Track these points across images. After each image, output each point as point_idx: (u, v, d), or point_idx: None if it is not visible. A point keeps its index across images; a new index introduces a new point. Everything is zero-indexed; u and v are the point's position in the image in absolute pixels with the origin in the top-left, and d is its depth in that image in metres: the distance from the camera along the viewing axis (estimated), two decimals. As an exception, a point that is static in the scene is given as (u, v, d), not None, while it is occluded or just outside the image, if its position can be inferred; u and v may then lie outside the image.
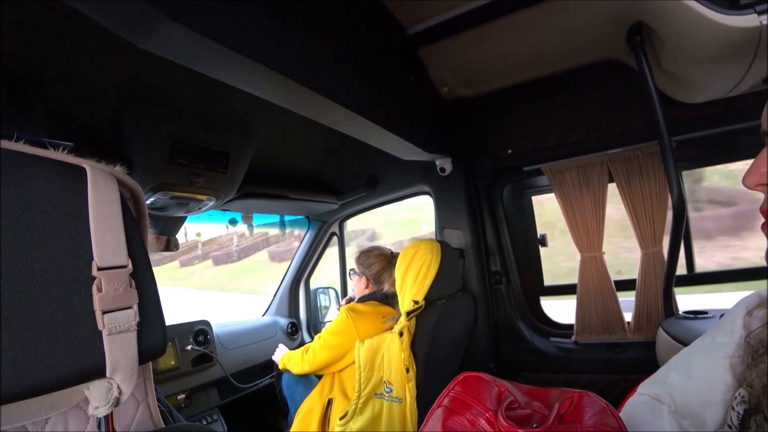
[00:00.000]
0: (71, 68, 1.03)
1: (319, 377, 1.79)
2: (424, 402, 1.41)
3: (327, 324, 2.64)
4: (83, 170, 0.43)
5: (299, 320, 2.76)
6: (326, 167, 2.22)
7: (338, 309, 1.89)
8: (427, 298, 1.53)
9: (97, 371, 0.41)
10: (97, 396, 0.42)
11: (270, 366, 2.17)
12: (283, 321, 2.65)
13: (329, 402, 1.66)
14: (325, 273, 2.97)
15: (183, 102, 1.29)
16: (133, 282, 0.44)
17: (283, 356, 1.92)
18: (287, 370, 1.88)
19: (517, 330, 1.98)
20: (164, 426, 0.54)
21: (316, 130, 1.30)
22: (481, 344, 1.94)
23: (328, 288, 2.79)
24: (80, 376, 0.40)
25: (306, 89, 0.97)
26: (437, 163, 1.97)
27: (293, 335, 2.63)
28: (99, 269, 0.41)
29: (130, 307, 0.43)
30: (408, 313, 1.47)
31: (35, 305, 0.37)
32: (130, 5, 0.64)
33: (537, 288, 2.09)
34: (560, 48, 1.56)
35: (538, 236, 2.09)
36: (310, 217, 2.70)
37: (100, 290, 0.41)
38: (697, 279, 1.77)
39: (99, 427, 0.45)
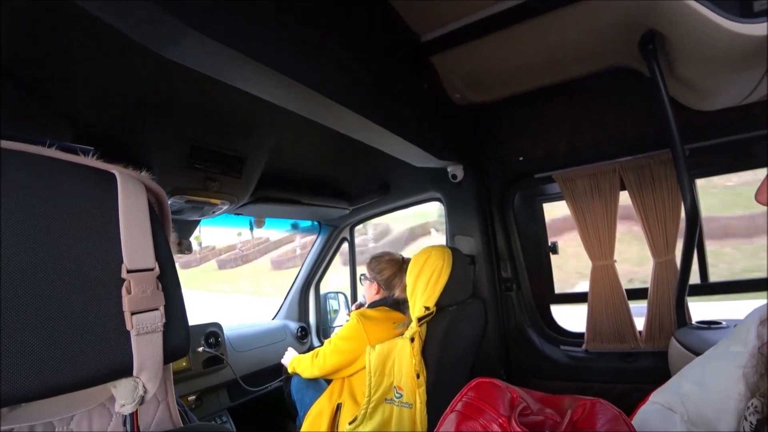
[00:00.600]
0: (92, 75, 1.06)
1: (329, 381, 1.80)
2: (435, 408, 1.42)
3: (336, 329, 2.65)
4: (113, 176, 0.45)
5: (309, 324, 2.78)
6: (338, 173, 2.24)
7: (348, 314, 1.90)
8: (438, 304, 1.53)
9: (125, 370, 0.42)
10: (123, 394, 0.43)
11: (279, 369, 2.18)
12: (293, 325, 2.67)
13: (338, 406, 1.67)
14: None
15: (201, 108, 1.31)
16: (160, 284, 0.45)
17: (292, 360, 1.93)
18: (297, 374, 1.89)
19: (527, 337, 1.97)
20: (182, 425, 0.56)
21: (330, 137, 1.33)
22: (491, 351, 1.93)
23: (338, 293, 2.81)
24: (108, 375, 0.42)
25: (321, 96, 0.99)
26: (449, 169, 1.98)
27: (303, 339, 2.64)
28: (128, 272, 0.42)
29: (156, 309, 0.44)
30: (419, 319, 1.48)
31: (67, 305, 0.39)
32: (151, 15, 0.66)
33: (548, 295, 2.08)
34: (572, 55, 1.56)
35: (549, 244, 2.08)
36: (321, 222, 2.72)
37: (129, 292, 0.42)
38: (710, 288, 1.75)
39: (124, 424, 0.46)
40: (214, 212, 1.69)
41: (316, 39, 1.01)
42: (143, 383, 0.44)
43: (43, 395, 0.38)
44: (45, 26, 0.88)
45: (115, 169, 0.46)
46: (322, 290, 2.85)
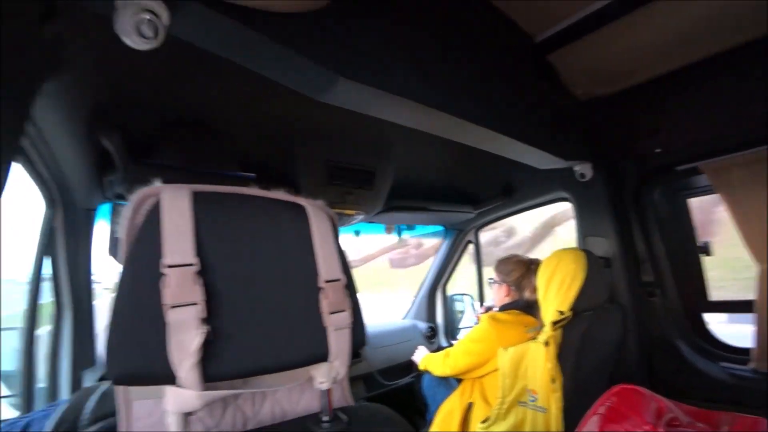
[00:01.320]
0: (253, 116, 1.31)
1: (459, 380, 1.86)
2: (571, 414, 1.39)
3: (463, 329, 2.71)
4: (303, 207, 0.60)
5: (436, 325, 2.89)
6: (462, 179, 2.29)
7: (477, 316, 1.94)
8: (573, 308, 1.50)
9: (324, 357, 0.56)
10: (322, 374, 0.58)
11: (409, 366, 2.32)
12: (422, 325, 2.80)
13: (469, 406, 1.72)
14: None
15: (337, 133, 1.50)
16: (346, 291, 0.59)
17: (423, 358, 2.03)
18: (428, 372, 1.99)
19: (675, 349, 1.78)
20: (351, 404, 0.70)
21: (453, 145, 1.40)
22: (632, 361, 1.79)
23: (463, 295, 2.86)
24: (313, 359, 0.56)
25: (449, 116, 1.08)
26: (576, 168, 1.90)
27: (431, 339, 2.75)
28: (325, 282, 0.56)
29: (345, 311, 0.58)
30: (554, 323, 1.47)
31: (287, 307, 0.54)
32: (313, 71, 0.82)
33: (700, 302, 1.85)
34: (708, 30, 1.36)
35: (699, 243, 1.86)
36: (447, 226, 2.81)
37: (326, 297, 0.56)
38: None
39: (321, 398, 0.61)
40: (350, 222, 1.90)
41: (442, 65, 1.10)
42: (337, 367, 0.57)
43: (274, 371, 0.53)
44: (222, 85, 1.13)
45: (303, 201, 0.61)
46: (449, 292, 2.94)
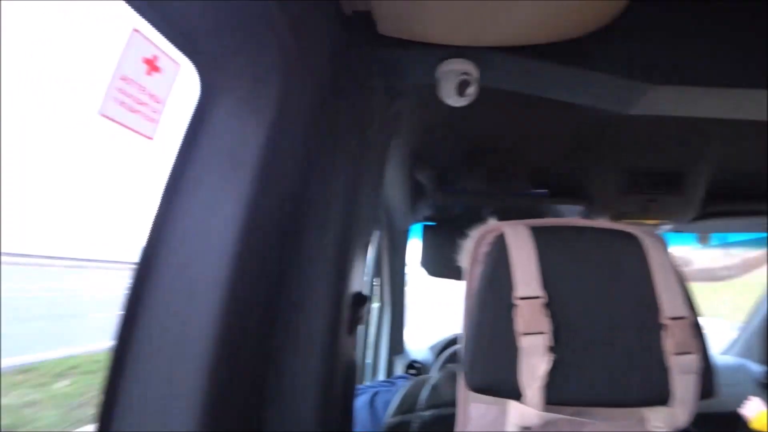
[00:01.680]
0: (546, 136, 1.32)
1: None
2: None
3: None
4: (635, 236, 0.56)
5: None
6: None
7: None
8: None
9: (663, 400, 0.50)
10: (660, 418, 0.52)
11: (735, 420, 1.82)
12: (756, 367, 2.12)
13: None
14: None
15: (637, 135, 1.34)
16: (695, 332, 0.52)
17: (760, 415, 1.58)
18: None
19: None
20: None
21: None
22: None
23: None
24: (650, 401, 0.51)
25: None
26: None
27: None
28: (669, 318, 0.51)
29: (692, 353, 0.51)
30: None
31: (626, 345, 0.51)
32: (616, 86, 0.76)
33: None
34: None
35: None
36: None
37: (670, 336, 0.50)
38: None
39: None
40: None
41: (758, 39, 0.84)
42: (678, 415, 0.51)
43: (602, 405, 0.52)
44: (517, 114, 1.18)
45: (633, 229, 0.58)
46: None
